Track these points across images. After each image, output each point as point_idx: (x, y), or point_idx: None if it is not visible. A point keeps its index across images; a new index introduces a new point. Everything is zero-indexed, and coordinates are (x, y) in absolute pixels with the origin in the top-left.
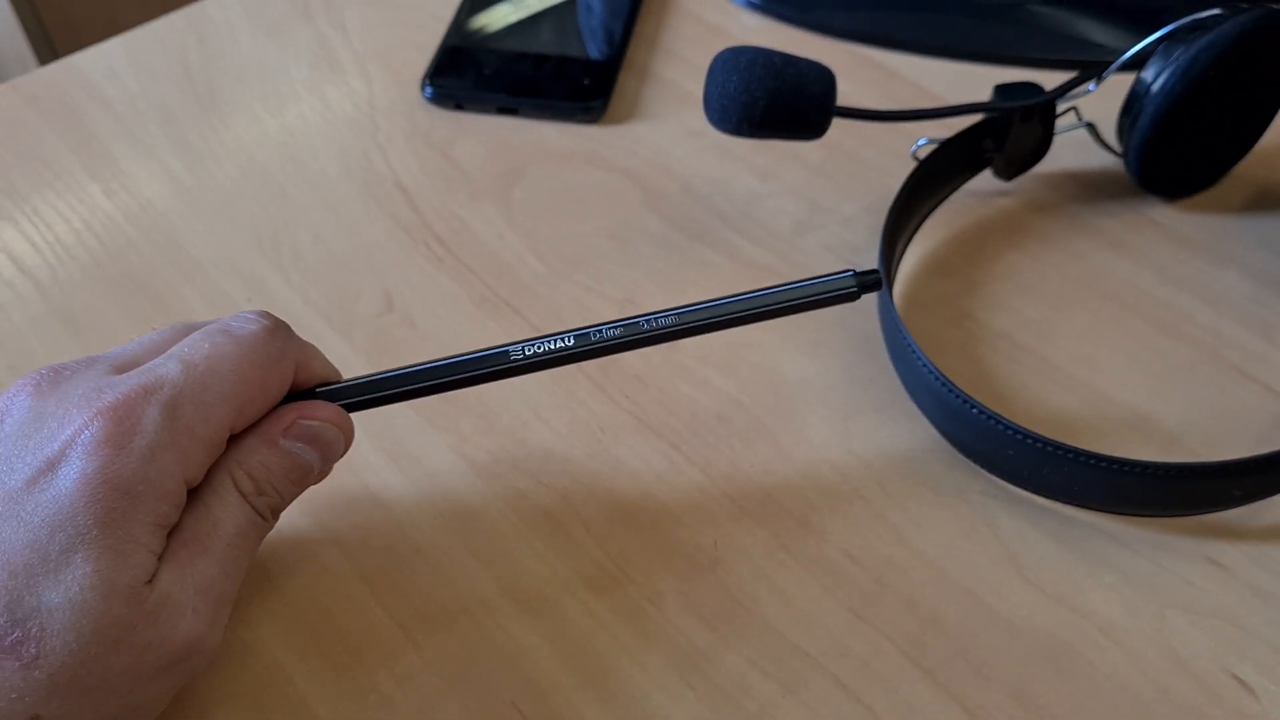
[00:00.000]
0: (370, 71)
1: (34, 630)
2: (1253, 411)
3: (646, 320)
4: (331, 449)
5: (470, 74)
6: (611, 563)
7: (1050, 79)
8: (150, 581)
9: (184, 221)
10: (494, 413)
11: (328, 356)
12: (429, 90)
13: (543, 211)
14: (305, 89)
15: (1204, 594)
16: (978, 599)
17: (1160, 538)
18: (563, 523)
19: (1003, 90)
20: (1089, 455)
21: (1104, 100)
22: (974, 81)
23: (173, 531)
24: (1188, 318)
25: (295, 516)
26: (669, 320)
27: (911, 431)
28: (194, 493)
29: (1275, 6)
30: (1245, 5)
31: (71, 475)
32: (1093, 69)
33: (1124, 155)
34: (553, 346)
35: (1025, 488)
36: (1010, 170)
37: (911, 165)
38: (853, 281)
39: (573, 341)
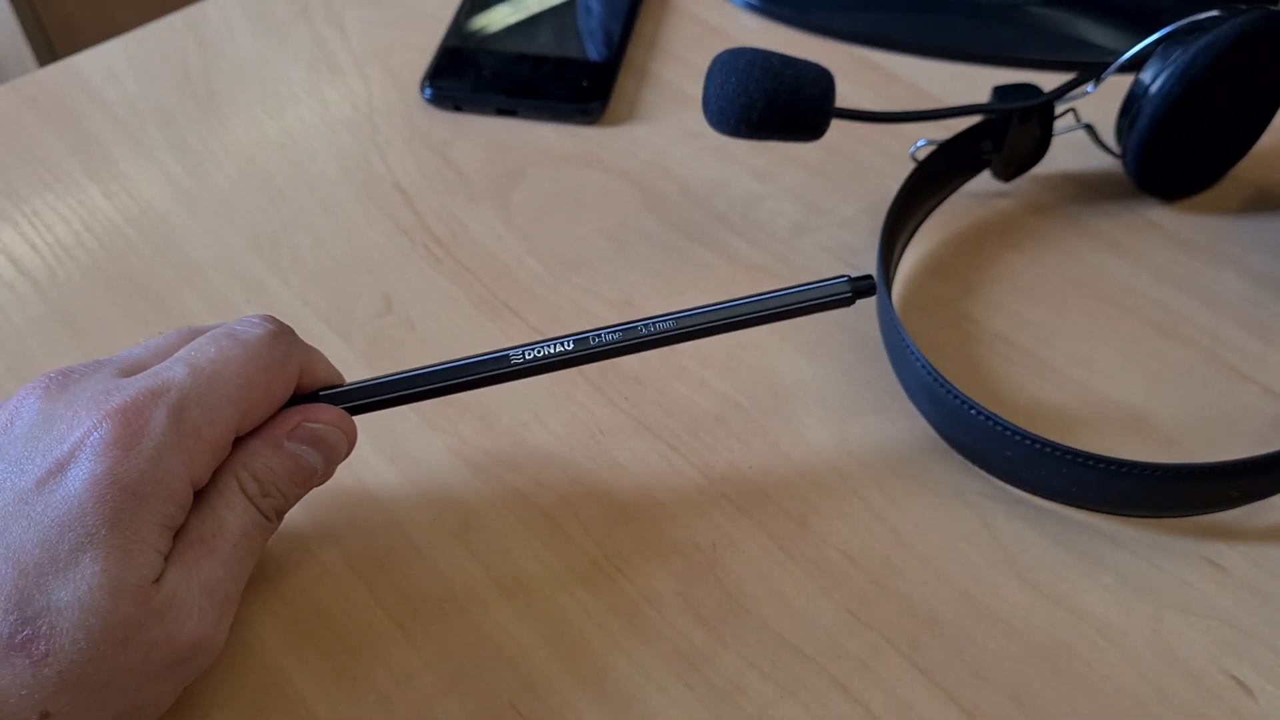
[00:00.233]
0: (369, 73)
1: (44, 628)
2: (1250, 412)
3: (645, 325)
4: (334, 451)
5: (469, 75)
6: (610, 563)
7: (1049, 80)
8: (157, 581)
9: (183, 223)
10: (493, 414)
11: (327, 358)
12: (428, 92)
13: (541, 213)
14: (304, 91)
15: (1202, 595)
16: (975, 600)
17: (1158, 539)
18: (561, 523)
19: (1001, 92)
20: (1087, 456)
21: (1102, 102)
22: (972, 83)
23: (179, 532)
24: (1186, 319)
25: (296, 517)
26: (667, 325)
27: (910, 432)
28: (200, 494)
29: (1273, 8)
30: (1243, 7)
31: (80, 476)
32: (1091, 70)
33: (1122, 156)
34: (552, 351)
35: (1023, 489)
36: (1009, 171)
37: (910, 167)
38: (847, 287)
39: (572, 346)
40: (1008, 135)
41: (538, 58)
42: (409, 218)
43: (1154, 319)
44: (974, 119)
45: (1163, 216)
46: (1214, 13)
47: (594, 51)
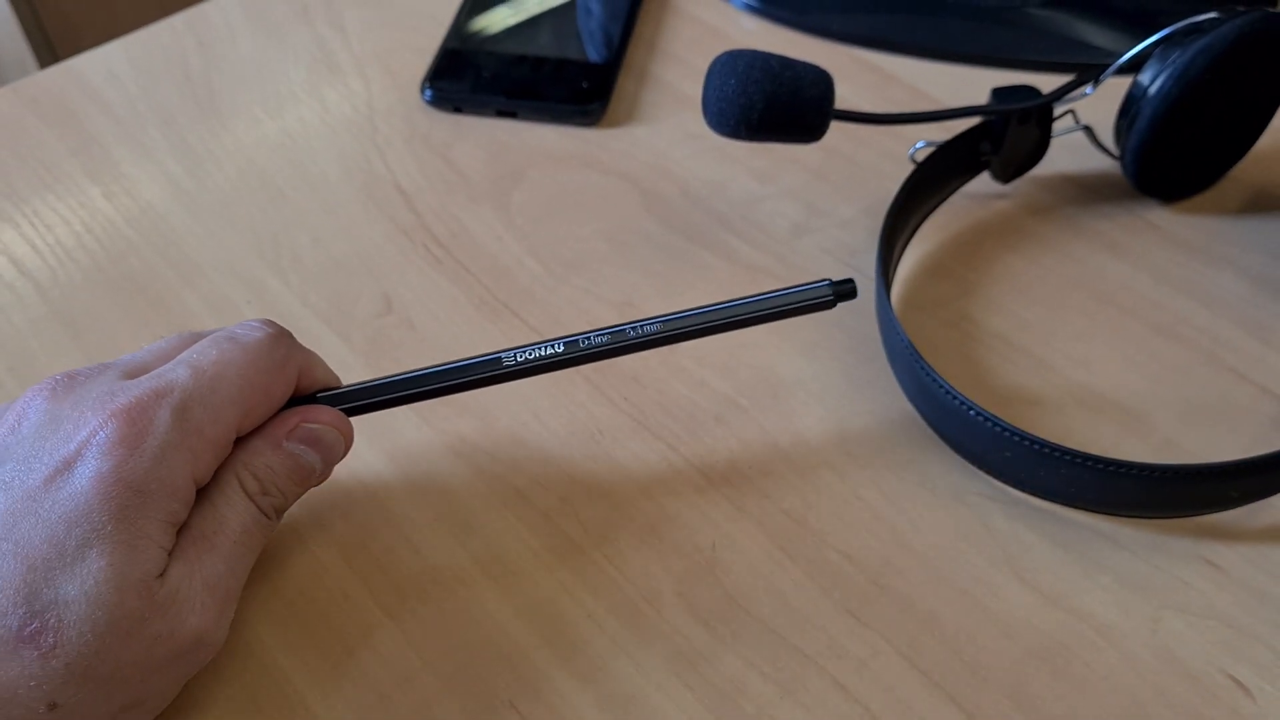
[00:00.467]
0: (369, 74)
1: (52, 621)
2: (1249, 413)
3: (633, 328)
4: (332, 451)
5: (469, 77)
6: (609, 563)
7: (1047, 82)
8: (161, 576)
9: (184, 224)
10: (493, 415)
11: (327, 358)
12: (428, 93)
13: (541, 214)
14: (304, 92)
15: (1200, 595)
16: (975, 600)
17: (1157, 539)
18: (560, 524)
19: (1000, 93)
20: (1085, 457)
21: (1101, 103)
22: (971, 84)
23: (182, 529)
24: (1184, 320)
25: (295, 516)
26: (654, 328)
27: (909, 433)
28: (202, 492)
29: (1272, 10)
30: (1242, 8)
31: (87, 474)
32: (1090, 72)
33: (1121, 158)
34: (543, 353)
35: (1022, 489)
36: (1007, 173)
37: (909, 168)
38: (828, 290)
39: (562, 348)
40: (1006, 137)
41: (538, 59)
42: (409, 218)
43: (1152, 320)
44: (973, 120)
45: (1161, 218)
46: (1212, 14)
47: (594, 53)
